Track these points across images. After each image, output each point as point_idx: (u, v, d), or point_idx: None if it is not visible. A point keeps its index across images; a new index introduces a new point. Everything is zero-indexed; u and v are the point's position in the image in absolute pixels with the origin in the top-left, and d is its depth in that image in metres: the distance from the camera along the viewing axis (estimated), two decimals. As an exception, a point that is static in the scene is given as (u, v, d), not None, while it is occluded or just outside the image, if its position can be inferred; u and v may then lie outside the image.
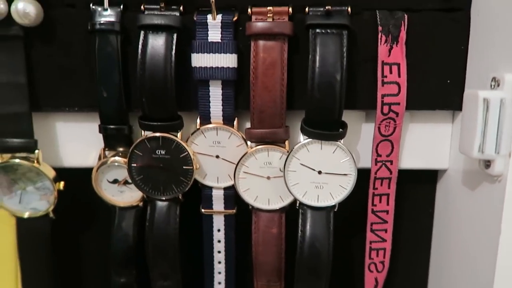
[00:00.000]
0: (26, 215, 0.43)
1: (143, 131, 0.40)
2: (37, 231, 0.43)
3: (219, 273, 0.45)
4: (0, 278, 0.46)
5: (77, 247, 0.49)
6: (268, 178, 0.40)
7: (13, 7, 0.37)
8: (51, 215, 0.43)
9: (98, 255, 0.48)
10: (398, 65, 0.38)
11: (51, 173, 0.41)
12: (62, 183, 0.42)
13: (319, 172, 0.39)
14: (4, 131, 0.40)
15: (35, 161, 0.41)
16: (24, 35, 0.38)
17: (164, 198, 0.41)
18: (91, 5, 0.38)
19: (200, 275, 0.45)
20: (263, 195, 0.41)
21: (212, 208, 0.43)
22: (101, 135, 0.41)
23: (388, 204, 0.43)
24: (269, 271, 0.42)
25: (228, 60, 0.37)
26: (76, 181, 0.43)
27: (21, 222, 0.43)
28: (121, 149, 0.42)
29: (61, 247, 0.48)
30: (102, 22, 0.38)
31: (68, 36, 0.39)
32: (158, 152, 0.40)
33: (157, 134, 0.39)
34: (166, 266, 0.42)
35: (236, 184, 0.40)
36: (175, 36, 0.37)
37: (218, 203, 0.42)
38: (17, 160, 0.40)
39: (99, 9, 0.38)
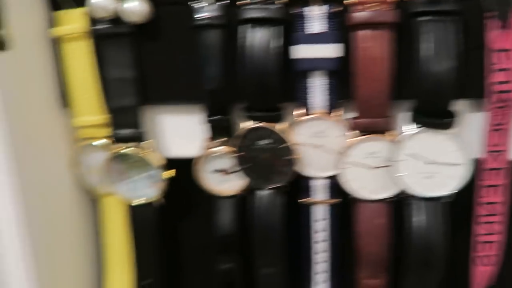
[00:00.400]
0: (136, 201, 0.45)
1: (245, 122, 0.41)
2: (146, 217, 0.46)
3: (317, 264, 0.45)
4: (112, 261, 0.49)
5: (180, 234, 0.51)
6: (372, 168, 0.39)
7: (122, 5, 0.39)
8: (160, 202, 0.45)
9: (199, 243, 0.50)
10: (508, 51, 0.35)
11: (159, 162, 0.44)
12: (171, 172, 0.44)
13: (428, 162, 0.37)
14: (117, 123, 0.42)
15: (145, 151, 0.43)
16: (132, 32, 0.40)
17: (267, 188, 0.41)
18: (195, 0, 0.39)
19: (299, 264, 0.46)
20: (367, 185, 0.40)
21: (313, 198, 0.42)
22: (204, 127, 0.43)
23: (499, 195, 0.40)
24: (374, 262, 0.42)
25: (332, 50, 0.37)
26: (179, 171, 0.45)
27: (131, 209, 0.46)
28: (224, 139, 0.43)
29: (164, 234, 0.50)
30: (206, 17, 0.38)
31: (173, 31, 0.41)
32: (260, 142, 0.40)
33: (259, 125, 0.40)
34: (271, 254, 0.43)
35: (339, 174, 0.40)
36: (278, 28, 0.37)
37: (318, 193, 0.42)
38: (128, 150, 0.43)
39: (203, 4, 0.39)
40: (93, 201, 0.50)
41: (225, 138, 0.43)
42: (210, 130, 0.43)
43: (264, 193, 0.42)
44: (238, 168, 0.42)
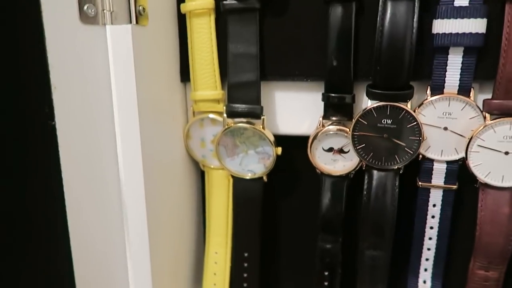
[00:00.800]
0: (244, 176, 0.45)
1: (368, 101, 0.39)
2: (252, 193, 0.46)
3: (428, 249, 0.43)
4: (214, 231, 0.49)
5: (284, 212, 0.51)
6: (507, 153, 0.37)
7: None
8: (265, 178, 0.45)
9: (302, 222, 0.50)
10: None
11: (272, 139, 0.43)
12: (279, 149, 0.44)
13: None
14: (235, 97, 0.42)
15: (260, 127, 0.43)
16: (259, 7, 0.40)
17: (384, 168, 0.40)
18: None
19: (407, 249, 0.44)
20: (497, 171, 0.38)
21: (430, 182, 0.41)
22: (318, 105, 0.42)
23: None
24: (493, 253, 0.40)
25: (477, 26, 0.35)
26: (289, 148, 0.44)
27: (238, 183, 0.46)
28: (339, 118, 0.42)
29: (269, 210, 0.50)
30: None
31: (299, 7, 0.40)
32: (384, 121, 0.39)
33: (386, 103, 0.38)
34: (379, 236, 0.42)
35: (467, 158, 0.38)
36: (416, 2, 0.35)
37: (437, 177, 0.41)
38: (244, 125, 0.43)
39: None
40: (202, 173, 0.50)
41: (340, 117, 0.42)
42: (327, 108, 0.42)
43: (379, 174, 0.41)
44: (355, 148, 0.41)
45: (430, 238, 0.43)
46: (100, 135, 0.39)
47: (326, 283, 0.47)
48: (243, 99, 0.42)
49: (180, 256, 0.49)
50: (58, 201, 0.36)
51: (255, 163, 0.45)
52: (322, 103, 0.42)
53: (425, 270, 0.44)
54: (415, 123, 0.38)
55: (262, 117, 0.43)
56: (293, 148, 0.45)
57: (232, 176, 0.46)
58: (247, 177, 0.45)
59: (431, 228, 0.43)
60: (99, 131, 0.39)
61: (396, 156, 0.40)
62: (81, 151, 0.37)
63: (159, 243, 0.44)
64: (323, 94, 0.41)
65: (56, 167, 0.35)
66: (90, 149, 0.38)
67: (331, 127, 0.42)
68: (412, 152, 0.39)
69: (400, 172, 0.41)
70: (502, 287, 0.42)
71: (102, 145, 0.39)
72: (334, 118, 0.42)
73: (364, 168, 0.42)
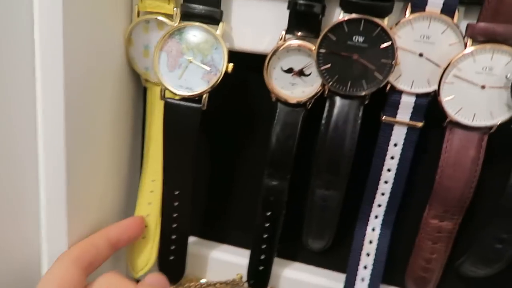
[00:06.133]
0: (179, 93, 0.38)
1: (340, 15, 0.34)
2: (187, 119, 0.39)
3: (382, 194, 0.39)
4: (152, 158, 0.43)
5: (230, 142, 0.45)
6: (483, 87, 0.34)
7: None
8: (205, 103, 0.38)
9: (250, 155, 0.44)
10: None
11: (226, 49, 0.37)
12: (231, 65, 0.37)
13: None
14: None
15: (217, 32, 0.36)
16: None
17: (349, 94, 0.35)
18: None
19: (360, 192, 0.40)
20: (469, 108, 0.34)
21: (395, 117, 0.37)
22: (280, 19, 0.36)
23: None
24: (451, 200, 0.36)
25: None
26: (240, 69, 0.38)
27: (171, 107, 0.39)
28: (304, 33, 0.36)
29: (211, 140, 0.44)
30: None
31: None
32: (355, 38, 0.34)
33: (360, 16, 0.33)
34: (335, 173, 0.37)
35: (439, 90, 0.34)
36: None
37: (403, 112, 0.36)
38: (200, 24, 0.36)
39: None
40: (142, 89, 0.43)
41: (306, 33, 0.36)
42: (292, 19, 0.36)
43: (342, 101, 0.36)
44: (319, 68, 0.35)
45: (385, 182, 0.39)
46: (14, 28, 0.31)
47: (267, 224, 0.42)
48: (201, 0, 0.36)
49: (108, 181, 0.42)
50: None
51: (198, 79, 0.38)
52: (287, 16, 0.36)
53: (376, 217, 0.41)
54: (390, 43, 0.33)
55: (221, 23, 0.36)
56: (244, 68, 0.38)
57: (165, 99, 0.39)
58: (185, 95, 0.38)
59: (389, 170, 0.39)
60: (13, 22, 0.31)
61: (364, 81, 0.35)
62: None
63: (78, 163, 0.37)
64: (289, 1, 0.35)
65: None
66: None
67: (293, 41, 0.36)
68: (381, 78, 0.35)
69: (366, 102, 0.36)
70: (454, 240, 0.39)
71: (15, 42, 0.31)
72: (298, 34, 0.36)
73: (325, 95, 0.37)
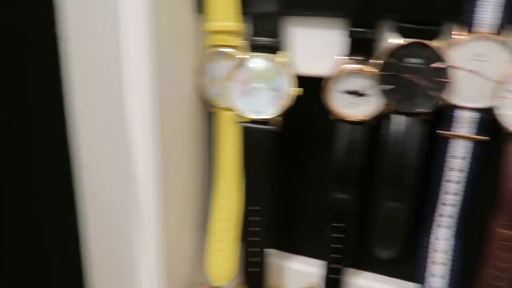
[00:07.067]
0: (251, 117, 0.43)
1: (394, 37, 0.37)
2: (261, 141, 0.44)
3: (453, 205, 0.41)
4: (223, 178, 0.48)
5: (299, 158, 0.49)
6: (541, 100, 0.34)
7: None
8: (278, 124, 0.43)
9: (317, 170, 0.48)
10: None
11: (292, 75, 0.41)
12: (298, 89, 0.42)
13: None
14: (258, 30, 0.41)
15: (278, 62, 0.41)
16: None
17: (408, 112, 0.38)
18: None
19: (424, 203, 0.42)
20: (529, 120, 0.35)
21: (454, 131, 0.39)
22: (337, 45, 0.40)
23: None
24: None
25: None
26: (306, 90, 0.42)
27: (247, 130, 0.43)
28: (361, 57, 0.40)
29: (281, 157, 0.48)
30: None
31: None
32: (412, 60, 0.37)
33: (414, 40, 0.36)
34: (399, 186, 0.39)
35: (495, 106, 0.36)
36: None
37: (463, 126, 0.38)
38: (265, 54, 0.41)
39: None
40: (210, 114, 0.49)
41: (364, 57, 0.39)
42: (349, 45, 0.39)
43: (404, 119, 0.39)
44: (377, 89, 0.38)
45: (448, 193, 0.41)
46: (107, 61, 0.38)
47: (337, 235, 0.45)
48: (264, 32, 0.41)
49: (186, 198, 0.48)
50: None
51: (267, 103, 0.43)
52: (344, 42, 0.39)
53: (444, 227, 0.42)
54: (444, 63, 0.36)
55: (284, 51, 0.41)
56: (306, 91, 0.42)
57: (240, 122, 0.43)
58: (256, 118, 0.43)
59: (451, 181, 0.40)
60: (106, 56, 0.38)
61: (421, 99, 0.38)
62: (87, 68, 0.36)
63: (169, 181, 0.43)
64: (346, 29, 0.39)
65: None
66: (96, 69, 0.37)
67: (352, 65, 0.40)
68: (438, 96, 0.37)
69: (425, 118, 0.39)
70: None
71: (109, 72, 0.38)
72: (355, 57, 0.40)
73: (385, 113, 0.40)
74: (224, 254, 0.49)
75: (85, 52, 0.36)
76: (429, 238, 0.42)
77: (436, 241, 0.42)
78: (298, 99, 0.42)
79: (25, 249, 0.39)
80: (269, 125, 0.43)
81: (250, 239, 0.47)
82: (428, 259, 0.42)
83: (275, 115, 0.43)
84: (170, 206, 0.43)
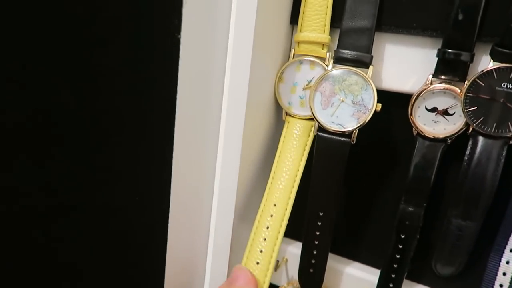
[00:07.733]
0: (332, 129, 0.44)
1: (490, 62, 0.37)
2: (337, 151, 0.44)
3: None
4: (274, 186, 0.48)
5: (371, 169, 0.50)
6: None
7: None
8: (354, 138, 0.43)
9: (389, 182, 0.49)
10: None
11: (375, 90, 0.42)
12: (380, 105, 0.42)
13: None
14: (346, 43, 0.41)
15: (367, 75, 0.42)
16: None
17: (493, 135, 0.39)
18: None
19: (497, 223, 0.43)
20: None
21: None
22: (429, 63, 0.40)
23: None
24: None
25: None
26: (389, 105, 0.43)
27: (324, 140, 0.44)
28: (450, 77, 0.40)
29: (354, 166, 0.49)
30: None
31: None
32: (504, 85, 0.37)
33: (509, 65, 0.36)
34: (474, 206, 0.40)
35: None
36: None
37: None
38: (351, 68, 0.42)
39: None
40: (281, 122, 0.50)
41: (451, 77, 0.40)
42: (440, 65, 0.40)
43: (485, 141, 0.39)
44: (465, 110, 0.39)
45: (523, 218, 0.41)
46: (214, 58, 0.40)
47: (400, 246, 0.46)
48: (353, 46, 0.41)
49: (255, 199, 0.49)
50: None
51: (348, 116, 0.43)
52: (433, 62, 0.40)
53: (511, 250, 0.42)
54: (538, 90, 0.36)
55: (371, 66, 0.42)
56: (388, 105, 0.43)
57: (318, 131, 0.44)
58: (337, 131, 0.44)
59: (528, 207, 0.41)
60: (215, 54, 0.39)
61: (509, 123, 0.38)
62: (196, 67, 0.38)
63: (244, 182, 0.44)
64: (439, 49, 0.39)
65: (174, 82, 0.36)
66: (204, 67, 0.38)
67: (439, 85, 0.40)
68: (528, 122, 0.37)
69: (510, 142, 0.39)
70: None
71: (213, 68, 0.40)
72: (444, 77, 0.40)
73: (469, 133, 0.40)
74: (260, 267, 0.45)
75: (196, 58, 0.37)
76: (499, 260, 0.43)
77: (507, 265, 0.42)
78: (380, 111, 0.43)
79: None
80: (347, 138, 0.44)
81: (310, 241, 0.48)
82: (495, 281, 0.43)
83: (354, 128, 0.43)
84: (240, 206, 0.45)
